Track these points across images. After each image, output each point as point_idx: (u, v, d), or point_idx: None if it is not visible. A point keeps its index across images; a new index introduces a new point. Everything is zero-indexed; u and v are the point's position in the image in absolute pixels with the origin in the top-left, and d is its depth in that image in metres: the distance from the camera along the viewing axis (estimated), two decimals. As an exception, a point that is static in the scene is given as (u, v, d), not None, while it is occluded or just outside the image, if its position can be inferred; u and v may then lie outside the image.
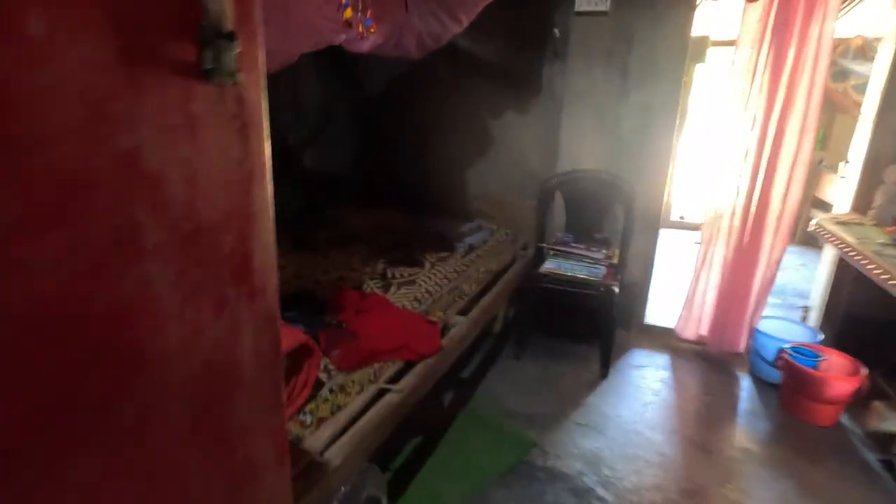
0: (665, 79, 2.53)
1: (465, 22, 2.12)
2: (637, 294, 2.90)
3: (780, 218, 2.42)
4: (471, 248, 2.60)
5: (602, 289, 2.38)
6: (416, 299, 1.95)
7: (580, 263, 2.53)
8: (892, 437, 1.85)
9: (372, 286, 2.07)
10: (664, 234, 5.26)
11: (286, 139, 3.19)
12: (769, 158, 2.36)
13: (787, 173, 2.35)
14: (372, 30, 1.31)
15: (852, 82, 4.73)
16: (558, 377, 2.51)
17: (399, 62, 2.81)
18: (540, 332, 2.87)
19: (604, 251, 2.55)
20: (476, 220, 2.89)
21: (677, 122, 2.64)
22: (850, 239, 1.95)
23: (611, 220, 2.77)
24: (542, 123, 2.80)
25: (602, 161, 2.72)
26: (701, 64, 4.86)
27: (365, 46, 2.03)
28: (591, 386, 2.45)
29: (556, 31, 2.54)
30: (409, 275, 2.22)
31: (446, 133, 3.06)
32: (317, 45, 1.50)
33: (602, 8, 2.43)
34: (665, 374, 2.59)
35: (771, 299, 3.44)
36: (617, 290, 2.42)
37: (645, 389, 2.45)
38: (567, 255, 2.58)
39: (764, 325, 2.55)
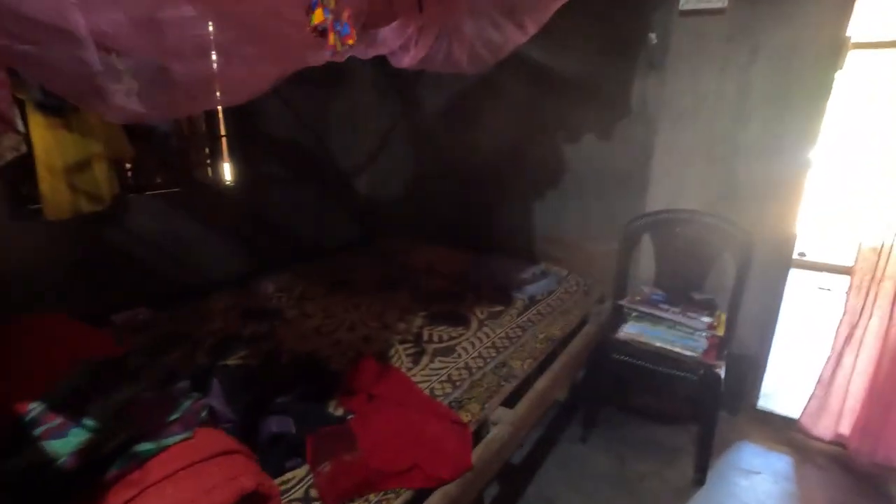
0: (802, 96, 1.91)
1: (532, 29, 1.69)
2: (749, 369, 2.26)
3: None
4: (532, 301, 2.15)
5: (702, 371, 1.81)
6: (449, 380, 1.54)
7: (673, 332, 1.97)
8: None
9: (401, 353, 1.70)
10: (796, 277, 4.37)
11: (340, 163, 2.94)
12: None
13: None
14: (350, 41, 0.93)
15: None
16: (637, 477, 1.96)
17: (464, 77, 2.44)
18: (616, 405, 2.33)
19: (706, 318, 1.97)
20: (541, 265, 2.42)
21: (814, 149, 1.99)
22: None
23: (716, 276, 2.16)
24: (629, 150, 2.27)
25: (707, 200, 2.14)
26: (840, 72, 3.97)
27: (406, 61, 1.68)
28: (682, 495, 1.87)
29: (653, 35, 2.02)
30: (450, 338, 1.82)
31: (514, 160, 2.62)
32: (287, 68, 1.16)
33: (717, 5, 1.87)
34: (786, 486, 1.93)
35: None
36: (722, 372, 1.83)
37: (757, 507, 1.83)
38: (655, 320, 2.02)
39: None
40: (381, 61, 1.70)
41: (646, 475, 1.96)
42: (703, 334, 1.93)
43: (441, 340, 1.80)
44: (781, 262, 2.11)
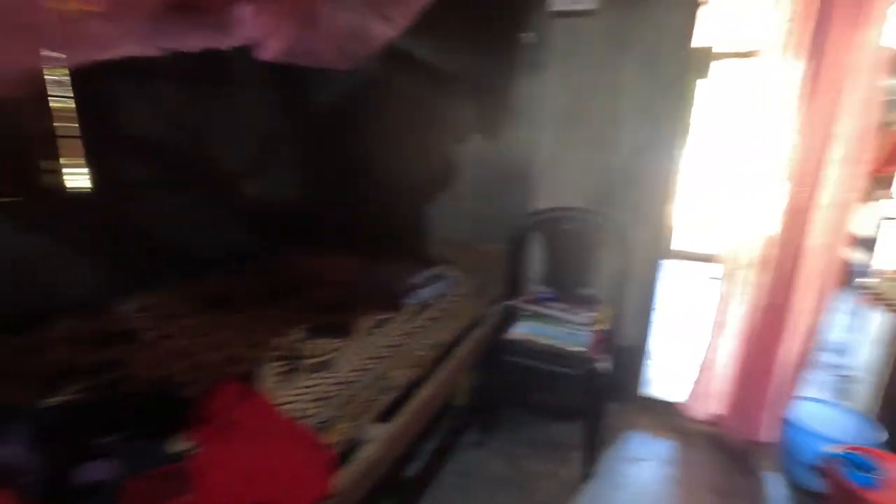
0: (668, 99, 2.01)
1: (401, 22, 1.62)
2: (634, 359, 2.35)
3: (818, 275, 1.86)
4: (423, 307, 2.08)
5: (585, 366, 1.83)
6: (320, 398, 1.41)
7: (560, 329, 1.98)
8: None
9: (271, 372, 1.54)
10: (669, 268, 4.68)
11: (222, 166, 2.70)
12: (809, 195, 1.81)
13: (832, 223, 1.80)
14: (91, 6, 0.80)
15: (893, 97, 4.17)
16: (532, 477, 1.94)
17: (356, 76, 2.33)
18: (515, 406, 2.32)
19: (589, 313, 2.00)
20: (435, 268, 2.36)
21: (683, 147, 2.10)
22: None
23: (601, 272, 2.22)
24: (516, 150, 2.28)
25: (591, 196, 2.19)
26: (703, 80, 4.32)
27: (268, 52, 1.54)
28: (573, 491, 1.88)
29: (529, 35, 2.03)
30: (329, 351, 1.69)
31: (408, 161, 2.55)
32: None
33: (585, 6, 1.91)
34: (669, 470, 2.01)
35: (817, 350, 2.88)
36: (607, 365, 1.87)
37: (642, 494, 1.88)
38: (544, 318, 2.03)
39: (802, 410, 1.98)
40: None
41: (540, 475, 1.95)
42: (589, 329, 1.96)
43: (319, 355, 1.67)
44: (657, 255, 2.21)
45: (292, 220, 2.80)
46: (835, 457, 1.65)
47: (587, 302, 2.10)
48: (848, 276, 2.33)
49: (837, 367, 2.85)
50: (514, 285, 2.24)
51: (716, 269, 2.07)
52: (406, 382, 1.55)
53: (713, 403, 2.18)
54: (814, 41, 1.70)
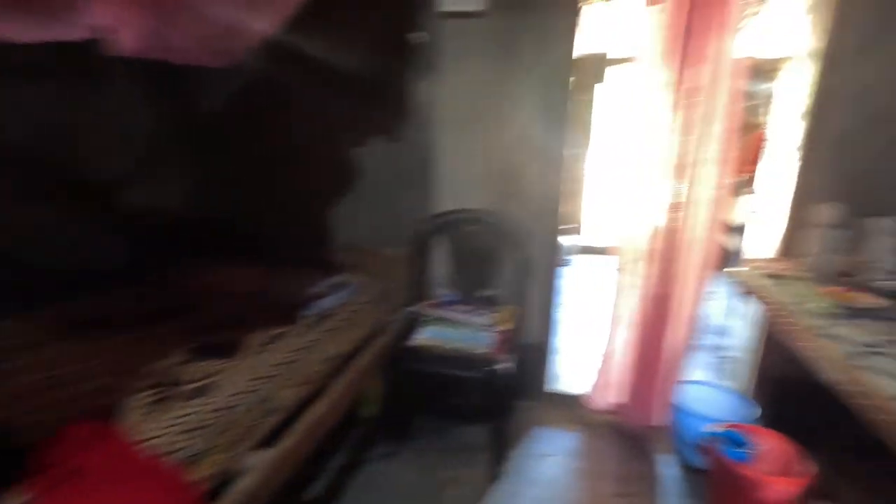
0: (555, 98, 2.06)
1: (275, 15, 1.51)
2: (541, 356, 2.39)
3: (696, 267, 1.99)
4: (322, 317, 1.98)
5: (487, 368, 1.82)
6: (194, 428, 1.28)
7: (463, 332, 1.96)
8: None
9: (139, 403, 1.38)
10: (581, 264, 4.89)
11: (97, 175, 2.42)
12: (681, 197, 1.93)
13: (706, 216, 1.93)
14: None
15: (753, 102, 4.63)
16: (442, 484, 1.91)
17: (240, 74, 2.17)
18: (423, 413, 2.28)
19: (492, 314, 2.01)
20: (338, 275, 2.26)
21: (579, 148, 2.17)
22: (787, 306, 1.51)
23: (505, 272, 2.23)
24: (416, 152, 2.24)
25: (490, 198, 2.20)
26: (600, 84, 4.57)
27: (123, 46, 1.38)
28: (482, 494, 1.87)
29: (420, 35, 2.00)
30: (209, 375, 1.55)
31: (306, 164, 2.42)
32: None
33: (473, 7, 1.91)
34: (575, 463, 2.07)
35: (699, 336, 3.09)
36: (510, 365, 1.87)
37: (549, 489, 1.91)
38: (447, 322, 2.01)
39: (688, 393, 2.11)
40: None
41: (451, 480, 1.93)
42: (491, 330, 1.96)
43: (198, 379, 1.52)
44: (557, 253, 2.26)
45: (178, 230, 2.57)
46: (714, 436, 1.76)
47: (490, 303, 2.10)
48: (725, 263, 2.53)
49: (719, 348, 3.10)
50: (418, 290, 2.20)
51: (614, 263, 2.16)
52: (296, 401, 1.45)
53: (613, 393, 2.27)
54: (682, 50, 1.81)
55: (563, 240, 5.48)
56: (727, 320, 3.11)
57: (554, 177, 2.14)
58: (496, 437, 1.93)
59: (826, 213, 1.73)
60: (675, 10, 1.78)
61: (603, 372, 2.25)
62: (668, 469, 2.03)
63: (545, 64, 2.02)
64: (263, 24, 1.51)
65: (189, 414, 1.34)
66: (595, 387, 2.28)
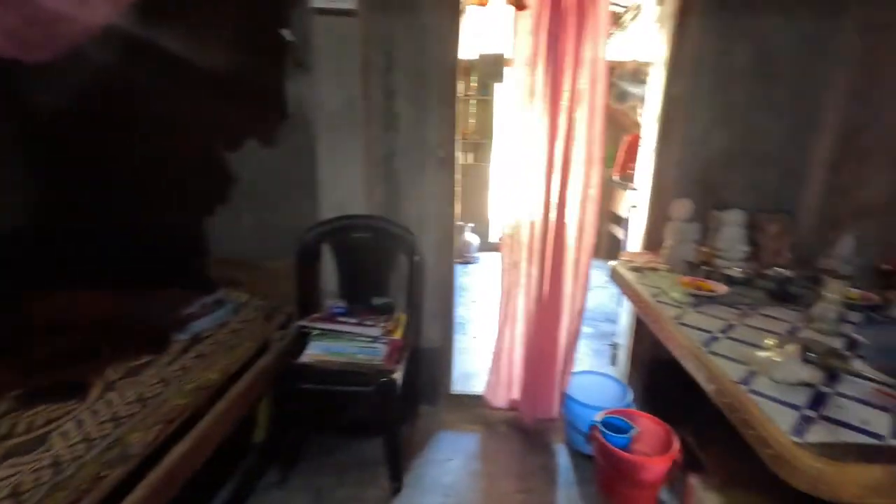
0: (440, 99, 2.05)
1: (107, 7, 1.32)
2: (441, 359, 2.38)
3: (577, 262, 2.09)
4: (195, 341, 1.79)
5: (378, 380, 1.76)
6: (14, 492, 1.07)
7: (353, 344, 1.88)
8: (713, 533, 1.55)
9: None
10: (489, 262, 5.02)
11: None
12: (559, 196, 2.02)
13: (580, 213, 2.03)
14: None
15: (631, 103, 5.04)
16: (337, 505, 1.82)
17: (82, 71, 1.88)
18: (316, 433, 2.17)
19: (382, 323, 1.95)
20: (217, 292, 2.07)
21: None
22: (646, 297, 1.62)
23: (396, 279, 2.19)
24: (294, 156, 2.11)
25: (376, 203, 2.14)
26: (499, 83, 4.72)
27: None
28: (381, 509, 1.82)
29: (287, 32, 1.88)
30: (48, 421, 1.33)
31: (173, 171, 2.18)
32: None
33: (345, 6, 1.83)
34: (474, 464, 2.08)
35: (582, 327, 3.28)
36: (399, 377, 1.83)
37: (450, 495, 1.90)
38: (336, 335, 1.91)
39: (575, 383, 2.22)
40: None
41: (349, 499, 1.84)
42: (383, 340, 1.90)
43: (31, 429, 1.29)
44: (451, 254, 2.26)
45: (11, 252, 2.20)
46: (598, 424, 1.86)
47: (382, 311, 2.04)
48: (616, 254, 2.71)
49: (608, 336, 3.32)
50: (306, 303, 2.08)
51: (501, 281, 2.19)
52: (148, 448, 1.28)
53: (508, 390, 2.32)
54: (552, 54, 1.88)
55: (471, 238, 5.55)
56: (615, 308, 3.33)
57: (445, 177, 2.13)
58: (393, 450, 1.88)
59: (679, 207, 1.90)
60: (540, 16, 1.84)
61: (495, 370, 2.29)
62: (562, 459, 2.11)
63: (427, 63, 2.00)
64: (94, 14, 1.31)
65: (9, 476, 1.14)
66: (490, 385, 2.32)
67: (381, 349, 1.87)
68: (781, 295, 1.56)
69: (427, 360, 2.32)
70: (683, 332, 1.32)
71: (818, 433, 0.88)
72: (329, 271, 2.14)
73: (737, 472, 1.65)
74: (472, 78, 5.42)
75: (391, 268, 2.17)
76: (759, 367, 1.09)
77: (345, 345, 1.88)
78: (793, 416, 0.93)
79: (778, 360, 1.04)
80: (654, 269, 1.88)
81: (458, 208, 2.30)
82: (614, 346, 2.73)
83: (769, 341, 1.22)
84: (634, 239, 2.32)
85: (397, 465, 1.89)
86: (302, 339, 1.94)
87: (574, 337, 2.17)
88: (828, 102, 1.88)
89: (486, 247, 5.41)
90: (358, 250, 2.11)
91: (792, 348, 1.06)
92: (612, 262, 2.08)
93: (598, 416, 1.90)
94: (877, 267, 1.65)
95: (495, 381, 2.32)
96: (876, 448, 0.85)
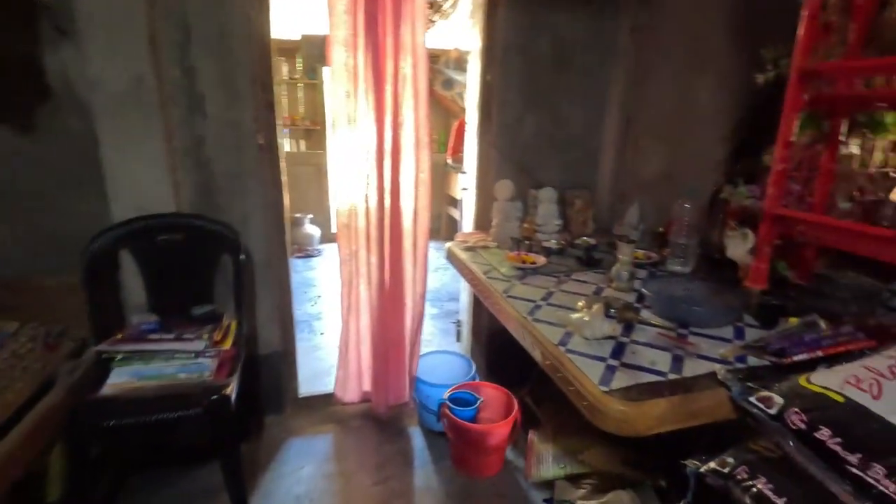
0: (254, 80, 1.85)
1: None
2: (283, 363, 2.21)
3: (415, 246, 2.11)
4: (-66, 394, 1.36)
5: (208, 398, 1.55)
6: None
7: (172, 364, 1.63)
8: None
9: None
10: (333, 252, 4.80)
11: None
12: (392, 182, 2.00)
13: (414, 197, 2.04)
14: None
15: (458, 90, 5.29)
16: (168, 551, 1.58)
17: None
18: (138, 471, 1.86)
19: (207, 334, 1.72)
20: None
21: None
22: (479, 274, 1.71)
23: (222, 283, 1.95)
24: (67, 146, 1.72)
25: (187, 199, 1.87)
26: (326, 66, 4.53)
27: None
28: (225, 541, 1.63)
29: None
30: None
31: None
32: None
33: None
34: (329, 467, 1.99)
35: (428, 308, 3.37)
36: (232, 391, 1.64)
37: (305, 500, 1.79)
38: (148, 356, 1.63)
39: (424, 365, 2.26)
40: None
41: (179, 543, 1.61)
42: (209, 353, 1.68)
43: None
44: (283, 250, 2.10)
45: None
46: (445, 401, 1.93)
47: (206, 321, 1.80)
48: (454, 233, 2.81)
49: (454, 314, 3.47)
50: (105, 324, 1.73)
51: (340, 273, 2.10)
52: None
53: (360, 382, 2.28)
54: (368, 35, 1.83)
55: (311, 230, 5.27)
56: (458, 287, 3.48)
57: (269, 166, 1.95)
58: (232, 472, 1.69)
59: (502, 188, 2.04)
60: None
61: (343, 364, 2.22)
62: (417, 441, 2.15)
63: (233, 40, 1.78)
64: None
65: None
66: (339, 381, 2.24)
67: (209, 363, 1.66)
68: (588, 261, 1.78)
69: (268, 366, 2.14)
70: (511, 304, 1.41)
71: (620, 380, 1.01)
72: (133, 282, 1.81)
73: (565, 422, 1.86)
74: (298, 60, 5.11)
75: (214, 271, 1.93)
76: (573, 328, 1.21)
77: (161, 366, 1.62)
78: (600, 369, 1.05)
79: (587, 319, 1.17)
80: (485, 248, 1.98)
81: (288, 199, 2.13)
82: (458, 323, 2.86)
83: (580, 303, 1.38)
84: (468, 220, 2.43)
85: (240, 487, 1.70)
86: (102, 367, 1.62)
87: (419, 320, 2.20)
88: (613, 92, 2.18)
89: (329, 238, 5.23)
90: (168, 255, 1.82)
91: (597, 307, 1.20)
92: (448, 244, 2.15)
93: (446, 394, 1.97)
94: (654, 230, 1.98)
95: (344, 376, 2.25)
96: (660, 384, 1.00)
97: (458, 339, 2.86)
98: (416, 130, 1.97)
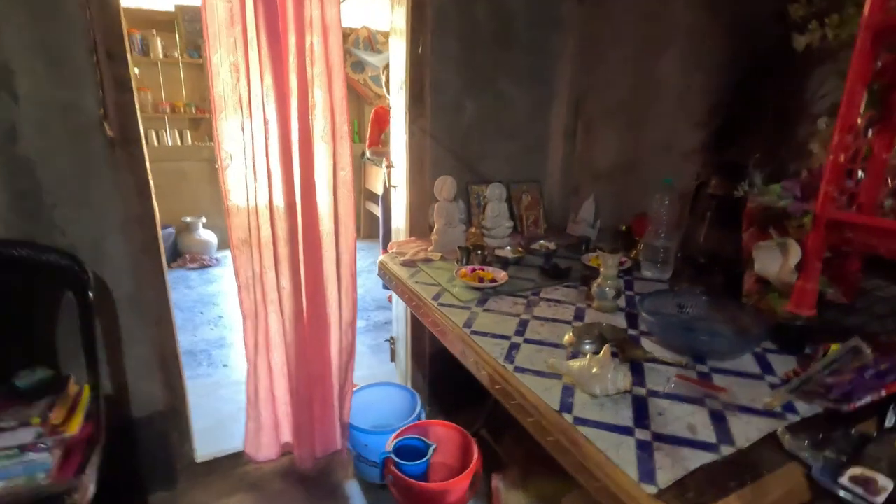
0: (92, 50, 1.31)
1: None
2: (171, 423, 1.69)
3: (338, 263, 1.69)
4: None
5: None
6: None
7: (-20, 469, 1.09)
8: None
9: None
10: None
11: None
12: (304, 183, 1.55)
13: (332, 202, 1.61)
14: None
15: (369, 73, 4.81)
16: None
17: None
18: None
19: (39, 415, 1.19)
20: None
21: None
22: (428, 301, 1.34)
23: (67, 331, 1.40)
24: None
25: (1, 215, 1.29)
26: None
27: None
28: None
29: None
30: None
31: None
32: None
33: None
34: (242, 554, 1.54)
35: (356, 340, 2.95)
36: (87, 490, 1.14)
37: None
38: (-64, 464, 1.07)
39: (357, 403, 1.86)
40: None
41: None
42: (44, 444, 1.15)
43: None
44: (159, 270, 1.57)
45: None
46: (390, 454, 1.55)
47: (38, 393, 1.26)
48: (374, 230, 2.40)
49: (383, 326, 3.08)
50: None
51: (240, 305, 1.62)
52: None
53: (278, 434, 1.82)
54: (266, 14, 1.37)
55: (206, 235, 4.51)
56: (386, 293, 3.09)
57: (127, 163, 1.42)
58: None
59: (442, 185, 1.68)
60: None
61: (254, 415, 1.75)
62: (354, 495, 1.75)
63: (57, 20, 1.23)
64: None
65: None
66: (249, 435, 1.78)
67: (44, 459, 1.14)
68: (553, 272, 1.48)
69: (149, 432, 1.62)
70: (480, 347, 1.06)
71: (665, 469, 0.71)
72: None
73: (533, 458, 1.58)
74: (176, 35, 4.33)
75: (52, 318, 1.37)
76: (574, 381, 0.90)
77: (-40, 476, 1.07)
78: (631, 450, 0.75)
79: (596, 371, 0.86)
80: (426, 261, 1.62)
81: (159, 205, 1.60)
82: (391, 340, 2.48)
83: (566, 337, 1.07)
84: (399, 223, 2.05)
85: None
86: None
87: (349, 353, 1.79)
88: (561, 71, 1.90)
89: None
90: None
91: (604, 352, 0.90)
92: (381, 257, 1.76)
93: (390, 444, 1.59)
94: (617, 228, 1.74)
95: (256, 428, 1.78)
96: (717, 467, 0.72)
97: (393, 358, 2.48)
98: (331, 117, 1.54)
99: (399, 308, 2.25)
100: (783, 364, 0.99)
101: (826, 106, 1.11)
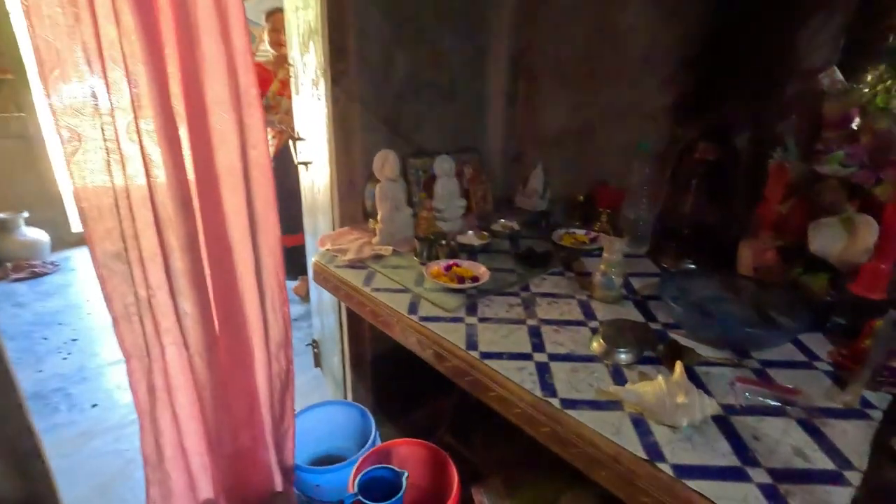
0: None
1: None
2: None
3: (257, 272, 1.30)
4: None
5: None
6: None
7: None
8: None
9: None
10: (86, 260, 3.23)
11: None
12: (200, 168, 1.13)
13: (245, 191, 1.21)
14: None
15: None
16: None
17: None
18: None
19: None
20: None
21: None
22: (412, 321, 1.05)
23: None
24: None
25: None
26: None
27: None
28: None
29: None
30: None
31: None
32: None
33: None
34: None
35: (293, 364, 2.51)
36: None
37: None
38: None
39: (298, 427, 1.53)
40: None
41: None
42: None
43: None
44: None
45: None
46: (357, 496, 1.28)
47: None
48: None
49: (294, 323, 2.69)
50: None
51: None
52: None
53: (194, 493, 1.42)
54: None
55: (35, 234, 3.54)
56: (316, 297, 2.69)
57: None
58: None
59: (383, 161, 1.36)
60: None
61: (156, 479, 1.33)
62: (307, 550, 1.45)
63: None
64: None
65: None
66: (159, 502, 1.36)
67: None
68: (531, 259, 1.29)
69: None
70: (504, 377, 0.82)
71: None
72: None
73: (513, 461, 1.43)
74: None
75: None
76: (648, 413, 0.72)
77: None
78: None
79: (681, 401, 0.68)
80: (377, 257, 1.31)
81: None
82: (314, 344, 2.13)
83: (594, 344, 0.89)
84: (321, 210, 1.68)
85: None
86: None
87: (283, 381, 1.43)
88: (498, 18, 1.65)
89: (69, 241, 3.66)
90: None
91: (679, 372, 0.72)
92: (314, 257, 1.40)
93: (352, 481, 1.31)
94: (572, 198, 1.60)
95: (164, 495, 1.36)
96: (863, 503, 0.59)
97: (318, 364, 2.14)
98: (231, 76, 1.12)
99: (323, 303, 1.90)
100: (816, 344, 0.92)
101: (822, 60, 1.03)
